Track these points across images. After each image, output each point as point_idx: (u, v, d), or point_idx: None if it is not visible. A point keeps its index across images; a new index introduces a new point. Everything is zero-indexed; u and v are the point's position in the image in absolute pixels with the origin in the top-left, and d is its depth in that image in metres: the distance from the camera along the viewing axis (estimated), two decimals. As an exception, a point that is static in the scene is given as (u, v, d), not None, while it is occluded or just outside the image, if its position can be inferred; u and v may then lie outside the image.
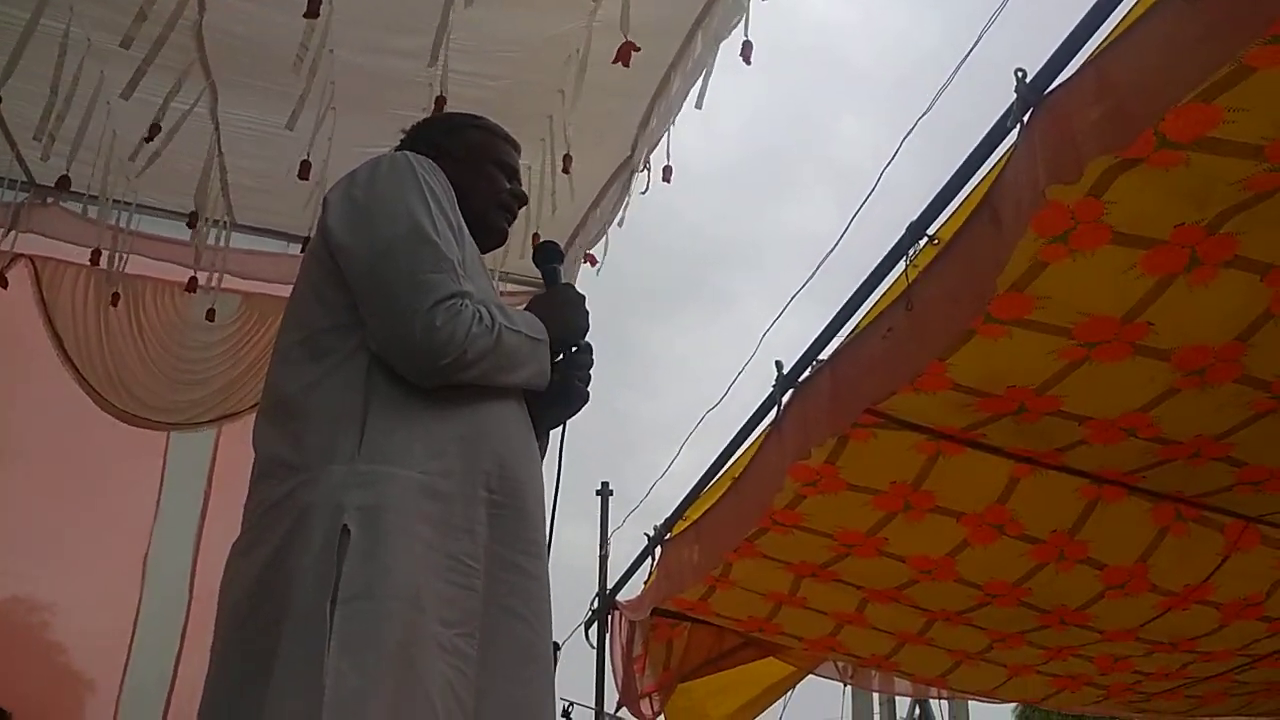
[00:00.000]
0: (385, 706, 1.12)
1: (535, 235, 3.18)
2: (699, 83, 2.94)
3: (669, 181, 3.29)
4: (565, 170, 3.13)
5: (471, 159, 1.63)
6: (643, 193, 3.33)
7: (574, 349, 1.56)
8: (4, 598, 4.11)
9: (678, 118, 3.20)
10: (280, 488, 1.27)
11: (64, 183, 3.30)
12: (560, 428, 1.64)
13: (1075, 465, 2.46)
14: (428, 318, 1.29)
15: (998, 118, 1.82)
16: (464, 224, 1.47)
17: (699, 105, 2.93)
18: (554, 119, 3.18)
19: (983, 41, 2.14)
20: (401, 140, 1.71)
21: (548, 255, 1.73)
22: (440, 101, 2.75)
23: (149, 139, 2.90)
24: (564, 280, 1.71)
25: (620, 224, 3.55)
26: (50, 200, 3.74)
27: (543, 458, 1.57)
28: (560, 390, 1.52)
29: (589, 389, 1.59)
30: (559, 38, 2.96)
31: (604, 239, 3.68)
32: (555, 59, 3.01)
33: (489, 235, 1.61)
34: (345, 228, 1.39)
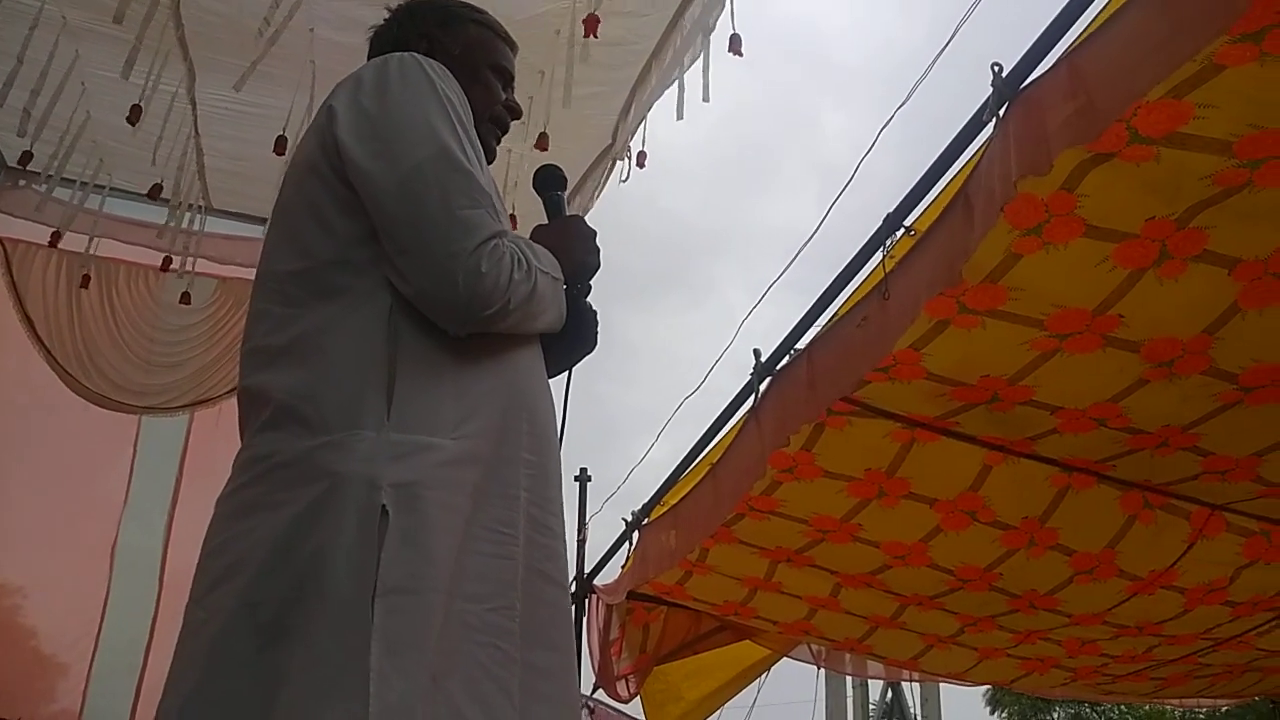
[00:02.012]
0: (424, 714, 1.01)
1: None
2: (697, 73, 2.90)
3: (643, 167, 3.29)
4: (541, 148, 3.07)
5: (468, 60, 1.43)
6: (623, 181, 3.33)
7: (580, 288, 1.40)
8: (-24, 581, 4.09)
9: (659, 107, 3.20)
10: (294, 445, 1.11)
11: (26, 158, 3.24)
12: (566, 375, 1.48)
13: (1046, 454, 2.50)
14: (471, 262, 1.15)
15: (974, 111, 1.84)
16: (478, 140, 1.30)
17: (704, 97, 2.88)
18: (534, 100, 3.16)
19: (967, 37, 2.15)
20: (386, 22, 1.50)
21: (550, 180, 1.51)
22: None
23: (130, 121, 2.84)
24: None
25: (594, 208, 3.55)
26: (22, 182, 3.69)
27: None
28: (570, 334, 1.37)
29: (597, 332, 1.45)
30: (540, 17, 2.94)
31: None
32: (536, 38, 2.99)
33: None
34: (360, 144, 1.20)
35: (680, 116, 2.90)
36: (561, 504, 1.28)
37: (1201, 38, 1.43)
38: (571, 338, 1.38)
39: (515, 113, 1.51)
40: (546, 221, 1.48)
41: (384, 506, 1.05)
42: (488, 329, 1.20)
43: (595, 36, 2.54)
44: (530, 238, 1.36)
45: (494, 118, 1.46)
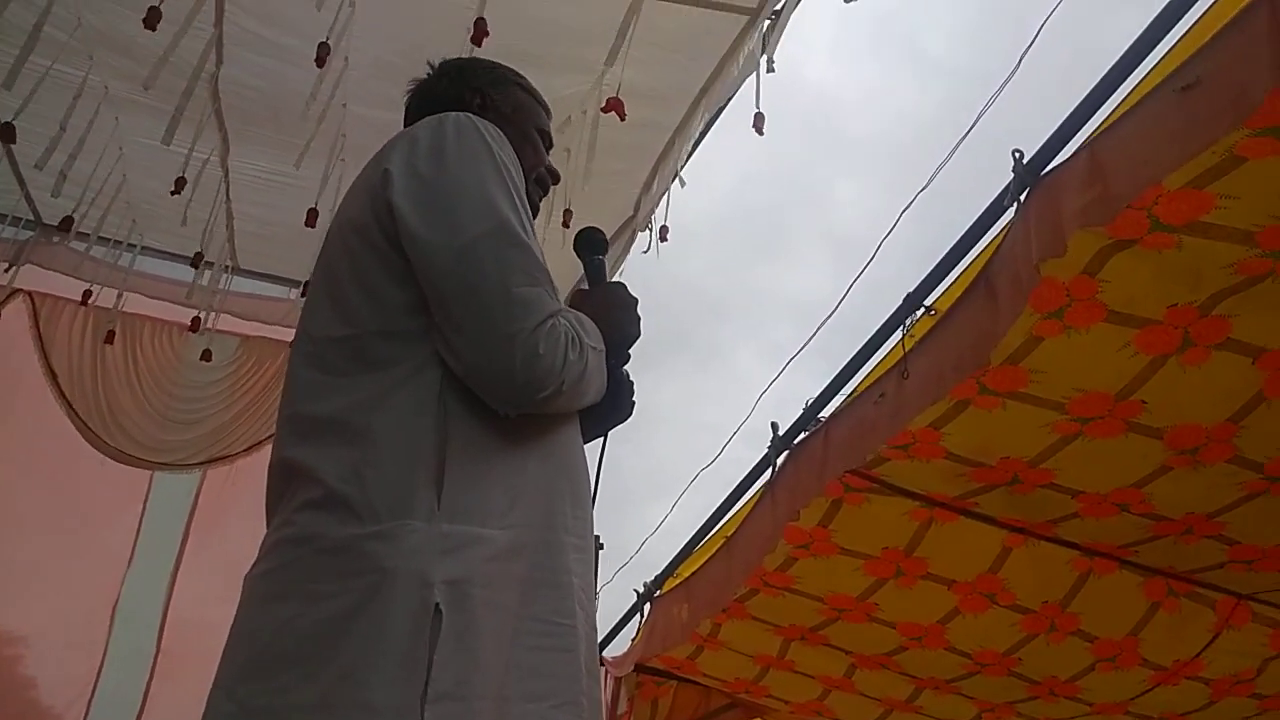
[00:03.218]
0: None
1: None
2: (714, 139, 3.01)
3: (666, 240, 3.34)
4: (565, 224, 3.16)
5: (518, 121, 1.43)
6: (644, 252, 3.38)
7: (619, 358, 1.35)
8: (-20, 628, 4.08)
9: (675, 175, 3.27)
10: (338, 531, 1.04)
11: (67, 224, 3.33)
12: (600, 442, 1.45)
13: (1067, 537, 2.46)
14: (529, 344, 1.10)
15: (995, 195, 1.87)
16: (529, 206, 1.26)
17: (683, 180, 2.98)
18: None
19: (974, 110, 2.19)
20: (430, 77, 1.48)
21: (591, 244, 1.47)
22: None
23: (175, 193, 2.92)
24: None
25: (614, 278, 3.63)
26: (56, 240, 3.78)
27: None
28: (608, 404, 1.32)
29: (634, 401, 1.41)
30: (567, 99, 3.03)
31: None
32: (562, 118, 3.08)
33: None
34: (416, 212, 1.15)
35: (682, 184, 2.97)
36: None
37: (1216, 130, 1.45)
38: (608, 407, 1.33)
39: (555, 177, 1.52)
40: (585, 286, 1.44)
41: (438, 605, 1.00)
42: (539, 410, 1.16)
43: (623, 119, 2.60)
44: (570, 304, 1.32)
45: (538, 180, 1.46)
